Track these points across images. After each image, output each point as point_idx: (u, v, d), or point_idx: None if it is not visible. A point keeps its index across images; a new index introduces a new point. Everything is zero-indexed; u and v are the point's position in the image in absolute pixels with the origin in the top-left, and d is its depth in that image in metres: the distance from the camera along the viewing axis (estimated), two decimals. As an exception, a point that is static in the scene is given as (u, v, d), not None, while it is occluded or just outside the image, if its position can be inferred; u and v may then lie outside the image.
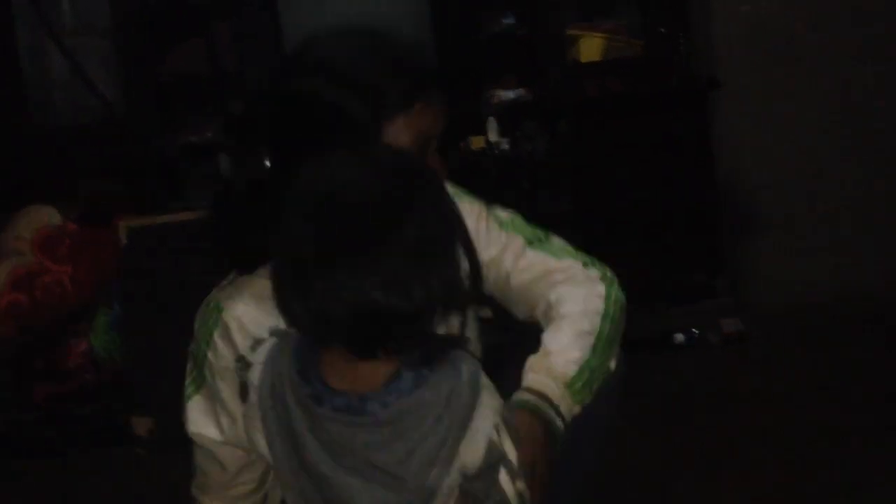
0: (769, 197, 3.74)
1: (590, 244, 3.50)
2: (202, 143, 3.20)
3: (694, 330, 3.40)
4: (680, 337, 3.40)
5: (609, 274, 1.52)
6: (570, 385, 1.31)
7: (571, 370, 1.32)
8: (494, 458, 1.08)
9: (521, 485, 1.12)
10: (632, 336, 3.49)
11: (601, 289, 1.48)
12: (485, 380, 1.09)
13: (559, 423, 1.26)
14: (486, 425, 1.07)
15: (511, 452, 1.10)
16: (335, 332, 1.03)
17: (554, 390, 1.28)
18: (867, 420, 2.54)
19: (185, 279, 2.89)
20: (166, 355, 1.60)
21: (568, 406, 1.29)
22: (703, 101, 3.53)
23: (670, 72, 3.50)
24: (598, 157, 3.39)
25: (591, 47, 3.48)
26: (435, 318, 1.05)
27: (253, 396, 1.11)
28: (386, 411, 1.04)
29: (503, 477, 1.11)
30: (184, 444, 1.36)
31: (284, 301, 1.05)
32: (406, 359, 1.06)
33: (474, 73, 3.30)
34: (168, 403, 1.48)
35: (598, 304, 1.45)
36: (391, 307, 1.00)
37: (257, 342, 1.15)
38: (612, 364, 1.45)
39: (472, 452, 1.07)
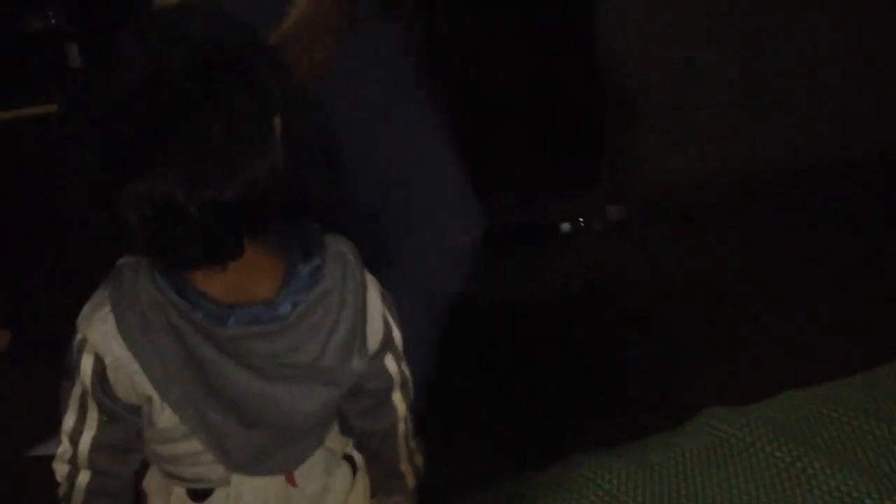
0: (654, 83, 3.73)
1: (472, 133, 3.48)
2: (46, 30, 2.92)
3: (579, 218, 3.40)
4: (566, 226, 3.40)
5: None
6: None
7: None
8: (385, 339, 1.08)
9: (404, 366, 1.12)
10: (517, 225, 3.55)
11: None
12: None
13: None
14: (378, 303, 1.07)
15: (396, 332, 1.10)
16: (172, 243, 0.92)
17: None
18: (743, 298, 2.60)
19: (34, 184, 2.71)
20: (19, 267, 1.47)
21: None
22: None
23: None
24: (480, 42, 3.30)
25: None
26: (274, 205, 0.94)
27: (117, 353, 0.99)
28: (296, 310, 0.99)
29: (388, 358, 1.11)
30: (42, 357, 1.23)
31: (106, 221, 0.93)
32: (288, 255, 1.01)
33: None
34: (25, 316, 1.34)
35: None
36: (208, 201, 0.89)
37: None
38: None
39: (374, 334, 1.07)
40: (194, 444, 1.04)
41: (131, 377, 1.01)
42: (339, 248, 1.05)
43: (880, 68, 3.92)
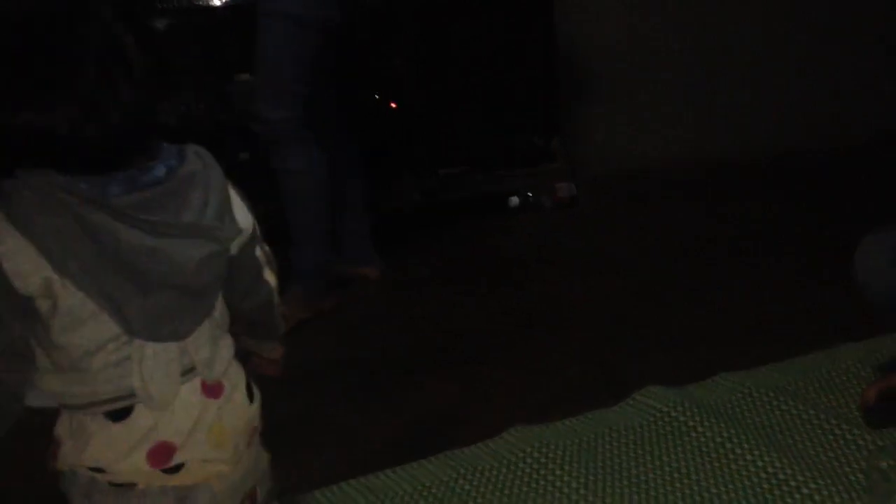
0: (608, 63, 3.74)
1: (428, 105, 3.47)
2: None
3: (528, 193, 3.41)
4: (515, 200, 3.41)
5: None
6: None
7: None
8: (252, 229, 1.25)
9: (266, 248, 1.30)
10: (467, 198, 3.54)
11: None
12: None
13: None
14: (237, 197, 1.22)
15: (255, 223, 1.26)
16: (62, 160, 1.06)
17: None
18: (685, 279, 2.63)
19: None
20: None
21: None
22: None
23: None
24: (439, 14, 3.28)
25: None
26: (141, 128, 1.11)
27: (10, 242, 1.06)
28: (172, 175, 1.12)
29: (256, 247, 1.28)
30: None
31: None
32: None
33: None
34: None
35: None
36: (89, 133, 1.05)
37: None
38: None
39: (242, 218, 1.22)
40: (101, 326, 1.10)
41: (28, 262, 1.06)
42: (196, 148, 1.19)
43: (838, 58, 3.96)
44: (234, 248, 1.22)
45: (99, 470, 1.13)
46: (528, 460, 1.73)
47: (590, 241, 3.10)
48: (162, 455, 1.13)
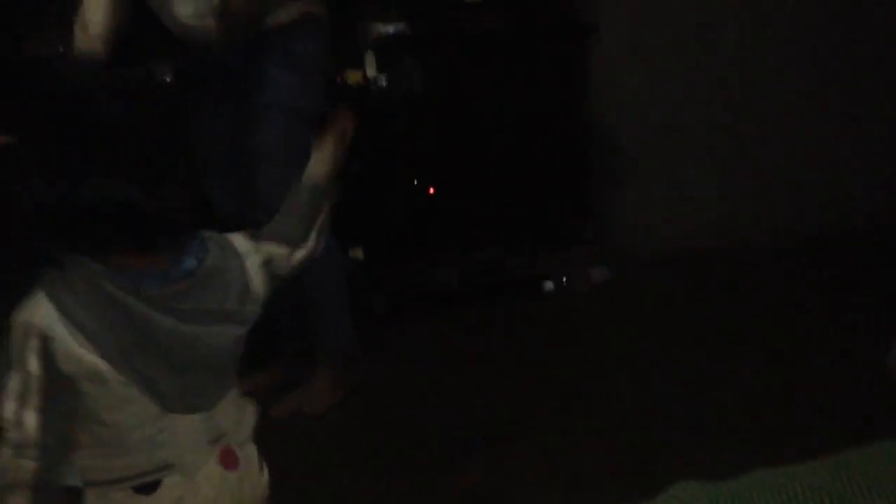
0: (640, 146, 3.78)
1: (459, 185, 3.52)
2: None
3: (563, 278, 3.43)
4: (549, 285, 3.43)
5: None
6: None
7: None
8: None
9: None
10: (501, 281, 3.55)
11: None
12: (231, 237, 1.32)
13: None
14: (255, 270, 1.31)
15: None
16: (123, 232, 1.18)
17: None
18: (713, 360, 2.64)
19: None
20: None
21: None
22: (580, 46, 3.52)
23: (549, 15, 3.47)
24: (473, 97, 3.35)
25: (473, -15, 3.42)
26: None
27: (58, 330, 1.16)
28: (201, 266, 1.24)
29: None
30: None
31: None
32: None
33: (354, 5, 3.19)
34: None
35: None
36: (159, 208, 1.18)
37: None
38: None
39: (257, 287, 1.32)
40: (144, 404, 1.21)
41: (75, 350, 1.16)
42: (217, 237, 1.30)
43: (871, 142, 3.97)
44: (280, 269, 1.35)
45: None
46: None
47: (622, 325, 3.11)
48: None
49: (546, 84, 3.43)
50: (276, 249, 1.34)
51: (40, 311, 1.16)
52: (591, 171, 3.58)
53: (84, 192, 1.14)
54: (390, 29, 3.16)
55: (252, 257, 1.32)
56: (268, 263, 1.33)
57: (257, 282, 1.31)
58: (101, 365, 1.17)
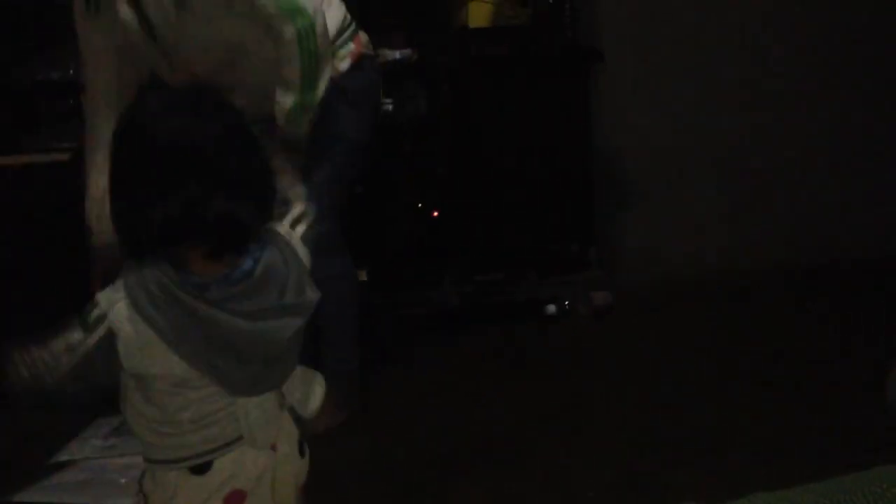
0: (644, 171, 3.80)
1: (463, 208, 3.54)
2: (62, 80, 2.99)
3: (566, 302, 3.45)
4: (552, 308, 3.44)
5: (309, 23, 2.19)
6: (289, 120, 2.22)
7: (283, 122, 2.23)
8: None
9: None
10: (504, 304, 3.56)
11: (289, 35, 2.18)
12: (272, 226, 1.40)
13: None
14: (300, 246, 1.41)
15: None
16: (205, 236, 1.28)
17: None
18: (713, 384, 2.65)
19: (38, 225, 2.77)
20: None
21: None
22: (585, 73, 3.55)
23: (554, 42, 3.50)
24: (478, 122, 3.38)
25: (479, 13, 3.46)
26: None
27: (128, 329, 1.28)
28: (258, 266, 1.32)
29: None
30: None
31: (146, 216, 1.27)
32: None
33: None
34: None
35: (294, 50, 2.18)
36: (240, 216, 1.29)
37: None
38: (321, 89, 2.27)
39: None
40: (200, 390, 1.31)
41: (142, 349, 1.28)
42: (274, 233, 1.38)
43: (877, 169, 3.98)
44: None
45: None
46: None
47: (624, 349, 3.12)
48: (234, 501, 1.33)
49: (550, 109, 3.46)
50: (297, 210, 1.43)
51: (117, 308, 1.28)
52: (594, 196, 3.60)
53: (176, 204, 1.25)
54: (396, 55, 3.21)
55: (292, 234, 1.40)
56: (303, 233, 1.42)
57: (306, 259, 1.40)
58: (170, 354, 1.28)
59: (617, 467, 2.17)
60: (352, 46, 2.55)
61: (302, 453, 1.42)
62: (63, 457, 2.40)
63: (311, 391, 1.42)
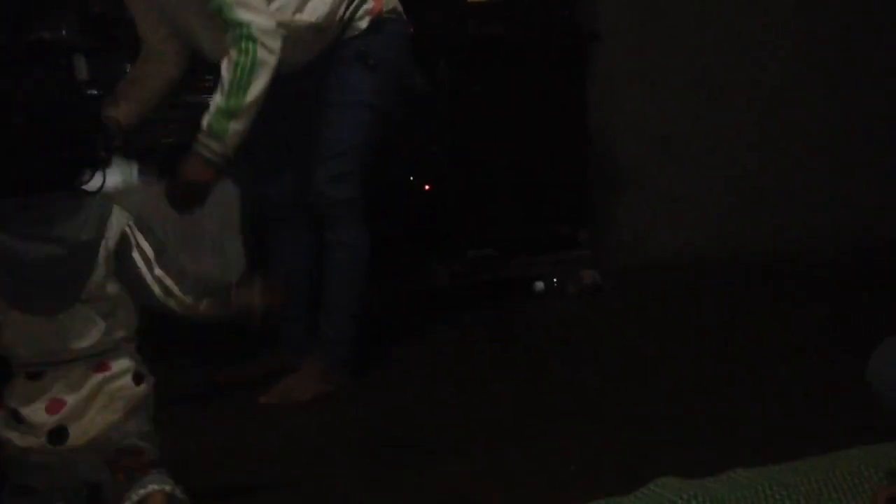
0: (636, 154, 3.81)
1: (460, 188, 3.54)
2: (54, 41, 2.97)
3: (553, 279, 3.46)
4: (540, 285, 3.46)
5: (247, 32, 2.23)
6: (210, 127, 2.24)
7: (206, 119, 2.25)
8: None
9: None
10: (493, 281, 3.57)
11: (233, 52, 2.24)
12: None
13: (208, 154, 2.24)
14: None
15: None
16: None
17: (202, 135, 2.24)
18: (700, 368, 2.67)
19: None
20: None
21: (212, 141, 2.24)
22: (583, 54, 3.55)
23: (554, 22, 3.49)
24: (474, 100, 3.38)
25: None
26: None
27: None
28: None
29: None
30: None
31: None
32: None
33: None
34: None
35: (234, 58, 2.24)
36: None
37: None
38: (251, 96, 2.25)
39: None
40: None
41: None
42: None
43: (871, 157, 4.00)
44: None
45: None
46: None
47: (611, 331, 3.14)
48: (55, 407, 1.59)
49: (546, 88, 3.45)
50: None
51: None
52: (587, 176, 3.61)
53: None
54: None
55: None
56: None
57: (120, 220, 1.66)
58: None
59: (602, 448, 2.19)
60: (371, 4, 2.51)
61: (138, 382, 1.66)
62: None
63: (228, 260, 1.78)
